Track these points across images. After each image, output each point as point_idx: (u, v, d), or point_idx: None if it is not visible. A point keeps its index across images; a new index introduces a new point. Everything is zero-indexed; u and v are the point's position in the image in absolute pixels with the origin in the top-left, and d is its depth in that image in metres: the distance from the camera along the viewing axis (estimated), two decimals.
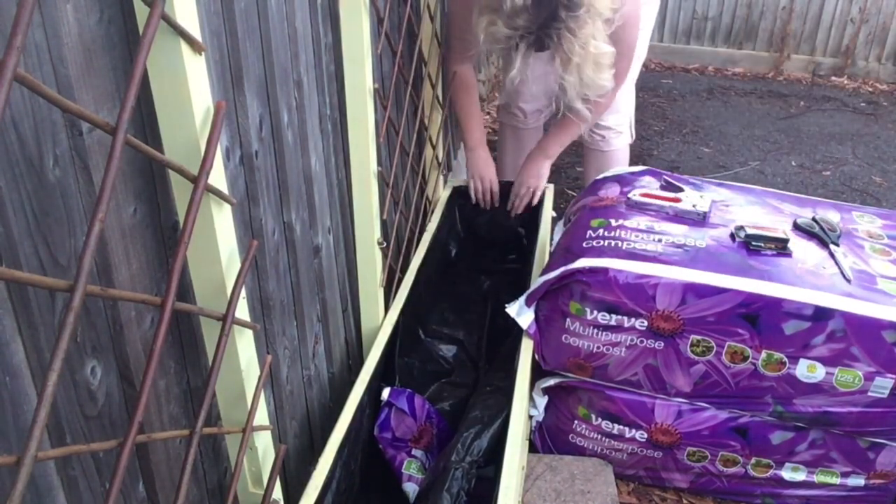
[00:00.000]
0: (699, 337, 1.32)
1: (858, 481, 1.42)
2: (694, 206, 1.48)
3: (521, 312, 1.44)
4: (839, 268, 1.35)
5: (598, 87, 1.48)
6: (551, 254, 1.65)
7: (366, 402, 1.25)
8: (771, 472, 1.45)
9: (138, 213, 0.70)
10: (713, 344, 1.32)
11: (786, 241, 1.38)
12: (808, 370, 1.30)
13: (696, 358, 1.34)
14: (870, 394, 1.29)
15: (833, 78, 4.28)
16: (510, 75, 1.46)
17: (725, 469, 1.46)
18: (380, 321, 1.44)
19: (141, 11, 0.65)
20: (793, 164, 3.17)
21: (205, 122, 0.69)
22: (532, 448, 1.58)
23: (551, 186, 2.00)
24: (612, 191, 1.63)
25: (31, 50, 0.55)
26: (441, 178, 2.06)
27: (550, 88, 2.02)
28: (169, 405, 0.79)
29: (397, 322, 1.44)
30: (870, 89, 4.15)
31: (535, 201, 1.88)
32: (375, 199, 1.33)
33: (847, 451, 1.39)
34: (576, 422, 1.50)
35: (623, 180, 1.68)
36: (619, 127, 2.06)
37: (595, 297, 1.35)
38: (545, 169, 1.86)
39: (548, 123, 2.35)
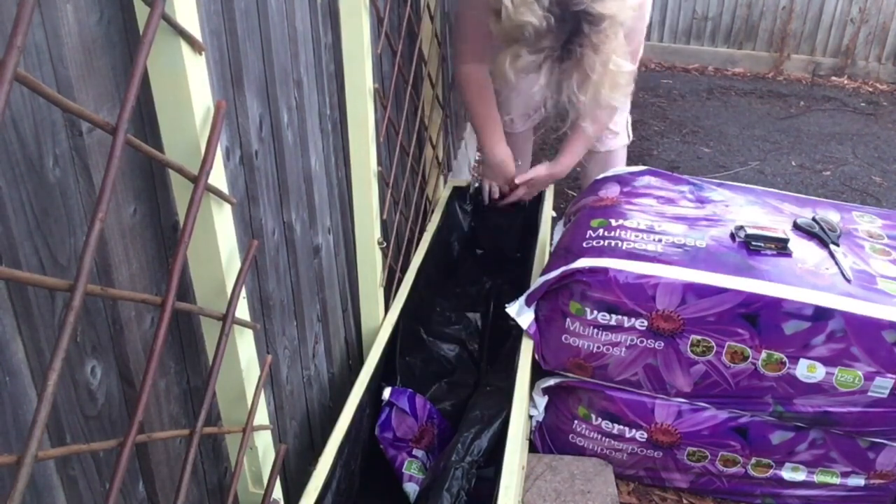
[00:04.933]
0: (699, 337, 1.32)
1: (858, 481, 1.42)
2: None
3: (521, 312, 1.44)
4: (839, 268, 1.35)
5: (611, 107, 1.44)
6: (551, 254, 1.65)
7: (366, 402, 1.25)
8: (771, 472, 1.45)
9: (138, 213, 0.70)
10: (713, 344, 1.32)
11: (786, 241, 1.38)
12: (808, 370, 1.30)
13: (696, 358, 1.34)
14: (870, 394, 1.29)
15: (833, 78, 4.28)
16: (533, 91, 1.40)
17: (725, 469, 1.46)
18: (380, 321, 1.44)
19: (141, 11, 0.65)
20: (793, 164, 3.17)
21: (205, 121, 0.69)
22: (532, 448, 1.58)
23: (551, 186, 2.00)
24: (612, 191, 1.63)
25: (30, 50, 0.55)
26: (441, 177, 2.06)
27: (536, 101, 2.02)
28: (169, 405, 0.79)
29: (398, 322, 1.44)
30: (870, 89, 4.15)
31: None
32: (375, 199, 1.33)
33: (847, 451, 1.39)
34: (576, 422, 1.50)
35: (623, 180, 1.68)
36: (615, 127, 2.05)
37: (595, 297, 1.35)
38: (550, 182, 1.89)
39: (539, 127, 2.34)
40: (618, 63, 1.36)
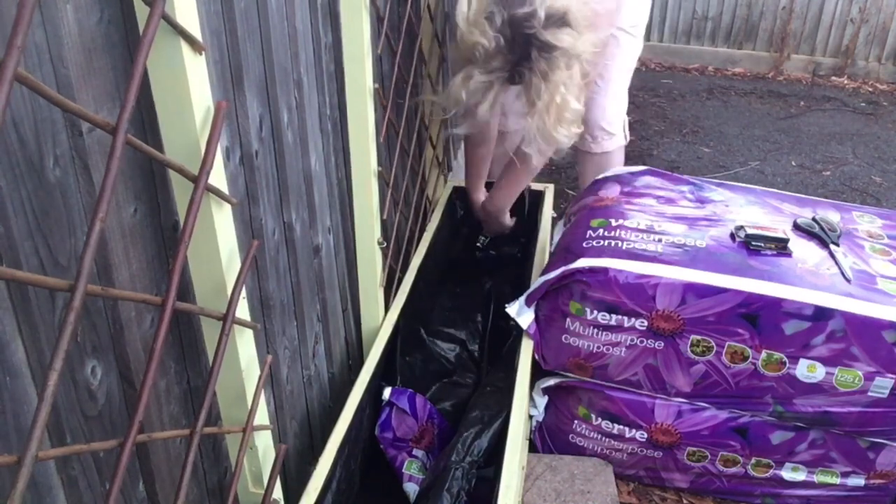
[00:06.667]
0: (699, 337, 1.32)
1: (858, 481, 1.42)
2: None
3: (521, 312, 1.44)
4: (839, 268, 1.35)
5: (554, 140, 1.39)
6: (551, 254, 1.65)
7: (366, 402, 1.25)
8: (771, 472, 1.45)
9: (138, 213, 0.70)
10: (713, 344, 1.32)
11: (786, 241, 1.38)
12: (808, 370, 1.30)
13: (696, 358, 1.34)
14: (870, 394, 1.29)
15: (833, 78, 4.28)
16: (480, 112, 1.38)
17: (725, 469, 1.46)
18: (380, 321, 1.44)
19: (141, 11, 0.65)
20: (793, 164, 3.17)
21: (205, 121, 0.69)
22: (532, 448, 1.58)
23: (551, 186, 2.00)
24: (612, 191, 1.63)
25: (31, 50, 0.55)
26: (441, 177, 2.06)
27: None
28: (169, 405, 0.79)
29: (398, 322, 1.44)
30: (870, 89, 4.15)
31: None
32: (376, 199, 1.33)
33: (847, 451, 1.39)
34: (576, 422, 1.50)
35: (623, 180, 1.68)
36: (610, 128, 2.03)
37: (595, 297, 1.35)
38: (506, 218, 1.86)
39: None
40: (565, 97, 1.34)
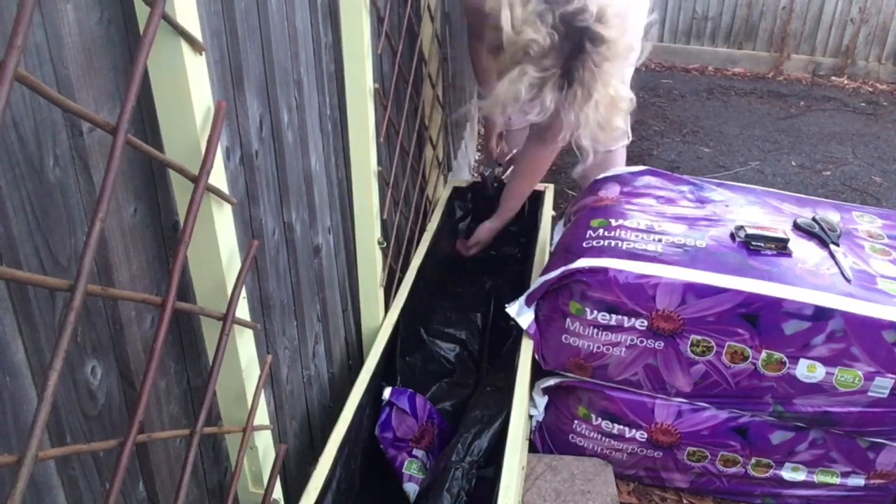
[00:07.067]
0: (699, 337, 1.32)
1: (858, 481, 1.42)
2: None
3: (521, 312, 1.44)
4: (839, 268, 1.35)
5: (612, 128, 1.44)
6: (551, 254, 1.65)
7: (366, 402, 1.25)
8: (771, 472, 1.45)
9: (138, 212, 0.70)
10: (713, 344, 1.32)
11: (786, 241, 1.38)
12: (808, 370, 1.30)
13: (696, 358, 1.34)
14: (870, 394, 1.29)
15: (833, 78, 4.28)
16: (544, 106, 1.41)
17: (725, 469, 1.46)
18: (380, 321, 1.44)
19: (141, 11, 0.65)
20: (793, 164, 3.17)
21: (205, 121, 0.69)
22: (532, 448, 1.58)
23: (551, 186, 2.00)
24: (612, 191, 1.63)
25: (31, 50, 0.55)
26: (441, 177, 2.06)
27: None
28: (169, 405, 0.79)
29: (398, 322, 1.44)
30: (870, 89, 4.15)
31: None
32: (376, 199, 1.33)
33: (847, 451, 1.39)
34: (576, 422, 1.50)
35: (623, 180, 1.68)
36: None
37: (595, 297, 1.35)
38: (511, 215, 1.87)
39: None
40: (617, 88, 1.39)
